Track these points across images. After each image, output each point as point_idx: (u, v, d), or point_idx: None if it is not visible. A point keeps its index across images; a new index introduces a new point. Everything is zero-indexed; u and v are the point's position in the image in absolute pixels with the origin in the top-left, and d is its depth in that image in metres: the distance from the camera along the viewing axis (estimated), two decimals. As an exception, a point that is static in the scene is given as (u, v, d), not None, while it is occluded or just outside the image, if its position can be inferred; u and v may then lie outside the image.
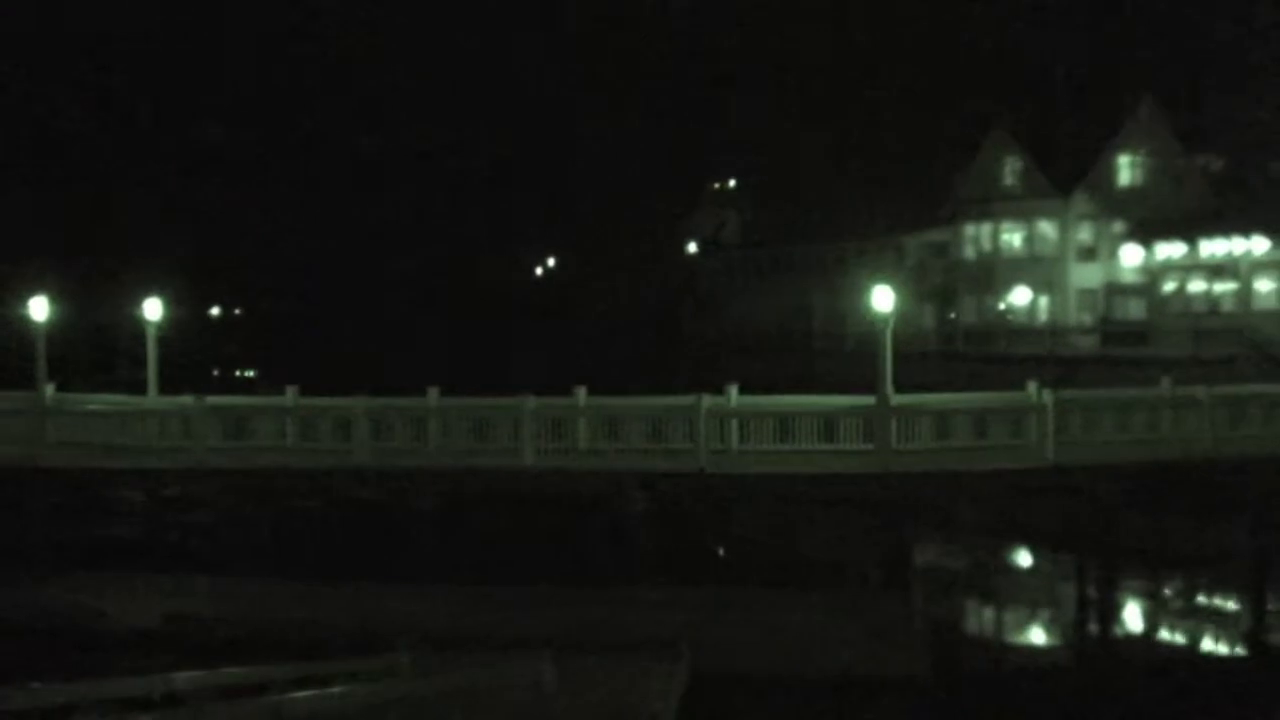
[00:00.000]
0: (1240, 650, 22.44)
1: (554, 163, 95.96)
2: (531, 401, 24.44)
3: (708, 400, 23.86)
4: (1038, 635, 24.03)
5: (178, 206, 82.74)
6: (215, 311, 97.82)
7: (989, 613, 25.30)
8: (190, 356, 53.77)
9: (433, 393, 25.28)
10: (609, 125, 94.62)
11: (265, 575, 23.32)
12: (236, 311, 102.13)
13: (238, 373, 71.63)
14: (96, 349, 54.31)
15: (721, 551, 30.24)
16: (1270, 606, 24.60)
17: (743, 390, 24.53)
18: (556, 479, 24.34)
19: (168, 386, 28.50)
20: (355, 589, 22.30)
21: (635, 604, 21.18)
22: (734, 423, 23.87)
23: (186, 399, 26.54)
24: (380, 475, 24.75)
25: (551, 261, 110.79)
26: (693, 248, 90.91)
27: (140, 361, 29.54)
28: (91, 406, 27.58)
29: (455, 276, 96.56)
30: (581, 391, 24.85)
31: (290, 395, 26.35)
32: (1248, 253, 48.41)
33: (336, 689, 14.33)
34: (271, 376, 45.86)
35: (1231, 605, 25.27)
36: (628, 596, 21.77)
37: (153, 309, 29.08)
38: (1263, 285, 48.90)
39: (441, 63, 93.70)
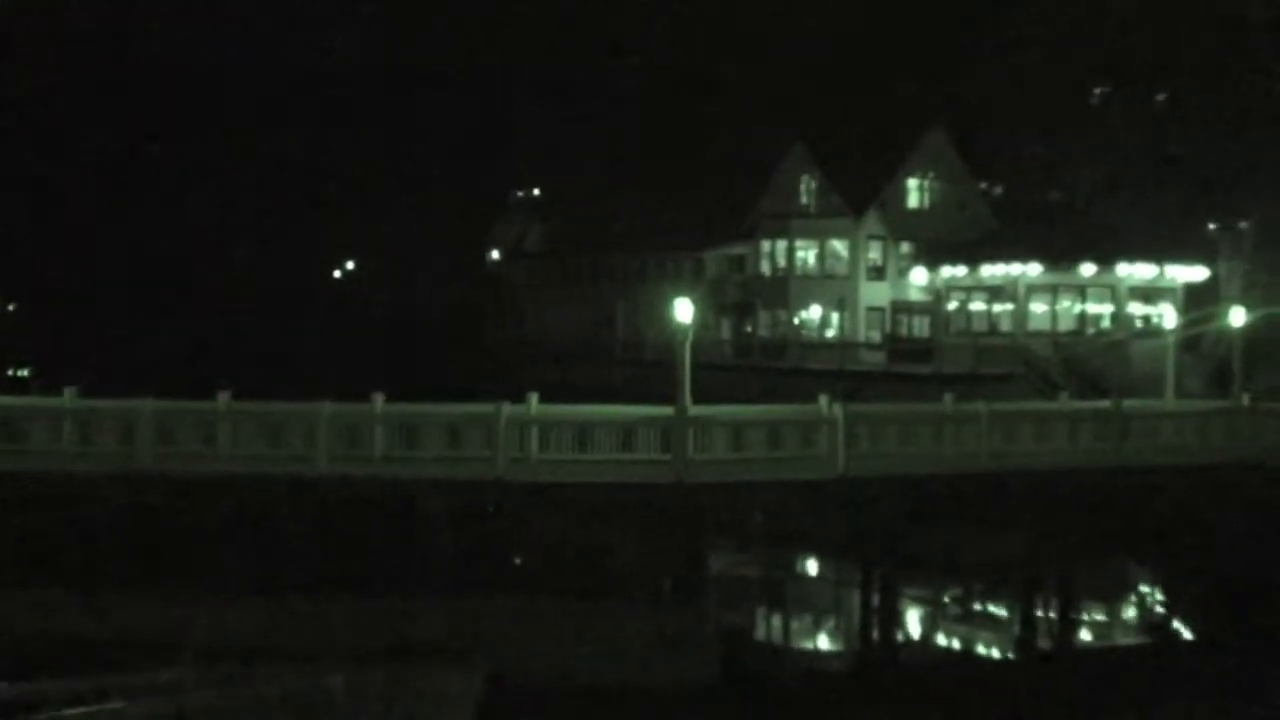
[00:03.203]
0: (1011, 654, 23.60)
1: (356, 162, 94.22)
2: (327, 407, 23.96)
3: (507, 408, 23.82)
4: (824, 642, 24.77)
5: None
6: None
7: (779, 621, 25.95)
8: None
9: (223, 396, 24.51)
10: (413, 128, 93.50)
11: (39, 586, 22.17)
12: (10, 307, 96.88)
13: (10, 371, 67.82)
14: None
15: (519, 560, 30.20)
16: (1039, 612, 25.97)
17: (543, 399, 24.56)
18: (352, 486, 23.91)
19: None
20: (136, 599, 21.42)
21: (431, 613, 20.98)
22: (533, 431, 23.88)
23: (-48, 398, 25.04)
24: (166, 481, 23.84)
25: (350, 264, 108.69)
26: (496, 255, 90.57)
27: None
28: None
29: (247, 275, 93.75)
30: (379, 398, 24.46)
31: (68, 396, 25.14)
32: (1024, 275, 51.04)
33: (114, 704, 13.75)
34: (48, 376, 43.61)
35: (1004, 612, 26.56)
36: (423, 606, 21.53)
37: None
38: (1037, 307, 51.63)
39: (248, 56, 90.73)
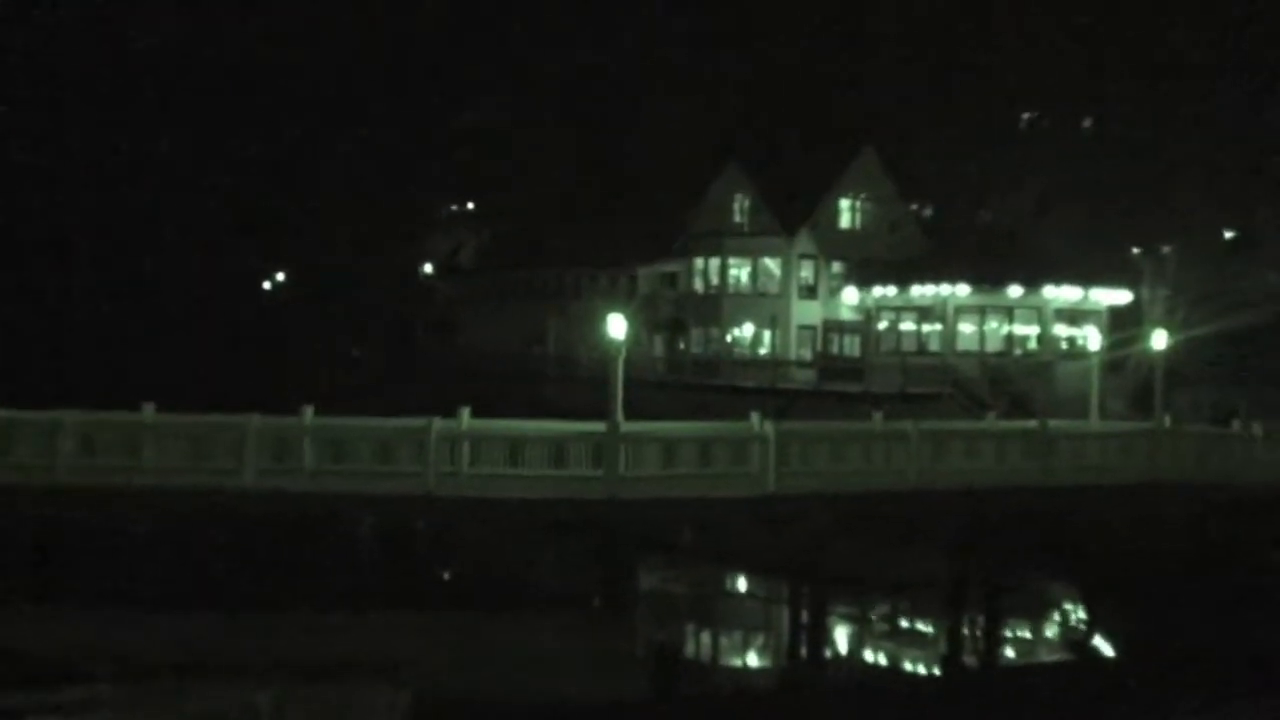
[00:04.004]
0: (936, 669, 23.85)
1: (289, 176, 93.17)
2: (255, 420, 23.64)
3: (438, 423, 23.68)
4: (753, 658, 24.87)
5: None
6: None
7: (708, 636, 26.01)
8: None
9: (148, 408, 24.11)
10: (346, 142, 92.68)
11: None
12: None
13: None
14: None
15: (448, 575, 30.03)
16: (964, 628, 26.28)
17: (475, 414, 24.45)
18: (280, 501, 23.60)
19: None
20: (56, 614, 20.99)
21: (359, 628, 20.79)
22: (465, 446, 23.74)
23: None
24: (88, 494, 23.37)
25: (281, 276, 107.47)
26: (429, 269, 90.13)
27: None
28: None
29: (174, 284, 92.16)
30: (308, 411, 24.20)
31: (-12, 406, 24.60)
32: (953, 295, 51.72)
33: (31, 722, 13.47)
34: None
35: (930, 628, 26.84)
36: (352, 621, 21.33)
37: None
38: (965, 327, 52.34)
39: (179, 65, 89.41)
